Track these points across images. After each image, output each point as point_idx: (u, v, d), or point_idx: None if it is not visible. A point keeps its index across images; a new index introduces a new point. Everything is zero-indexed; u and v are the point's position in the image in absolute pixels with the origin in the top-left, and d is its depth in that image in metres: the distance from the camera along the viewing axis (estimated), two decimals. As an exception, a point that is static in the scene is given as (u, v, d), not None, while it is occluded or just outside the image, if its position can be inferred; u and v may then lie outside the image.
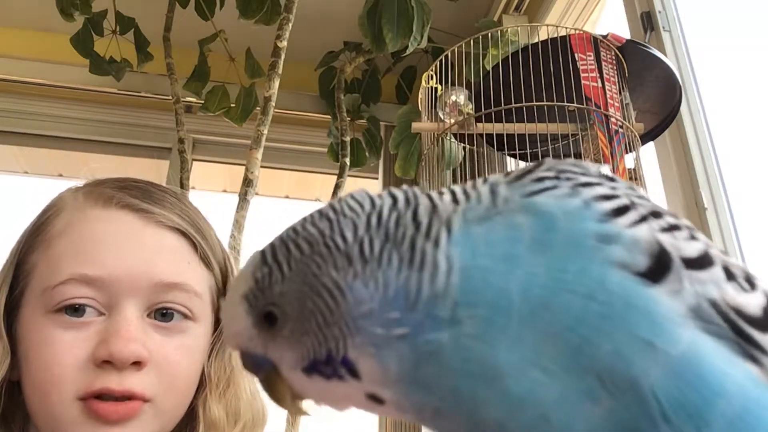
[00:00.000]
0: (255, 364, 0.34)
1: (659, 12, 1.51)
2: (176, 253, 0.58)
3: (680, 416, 0.26)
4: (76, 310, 0.52)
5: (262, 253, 0.33)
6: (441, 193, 0.32)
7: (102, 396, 0.51)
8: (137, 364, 0.52)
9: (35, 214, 0.60)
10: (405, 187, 0.33)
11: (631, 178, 1.08)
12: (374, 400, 0.31)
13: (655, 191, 1.35)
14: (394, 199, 0.32)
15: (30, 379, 0.53)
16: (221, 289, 0.62)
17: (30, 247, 0.57)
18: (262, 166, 1.70)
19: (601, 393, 0.27)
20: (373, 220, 0.31)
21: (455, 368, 0.28)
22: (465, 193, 0.32)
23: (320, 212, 0.33)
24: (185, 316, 0.57)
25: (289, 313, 0.32)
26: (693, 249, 0.30)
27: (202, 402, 0.59)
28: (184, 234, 0.59)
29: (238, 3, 1.96)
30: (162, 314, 0.56)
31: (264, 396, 0.64)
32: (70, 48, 2.08)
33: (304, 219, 0.33)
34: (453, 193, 0.32)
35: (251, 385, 0.63)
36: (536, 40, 1.20)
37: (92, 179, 0.62)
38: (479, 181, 0.33)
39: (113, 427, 0.52)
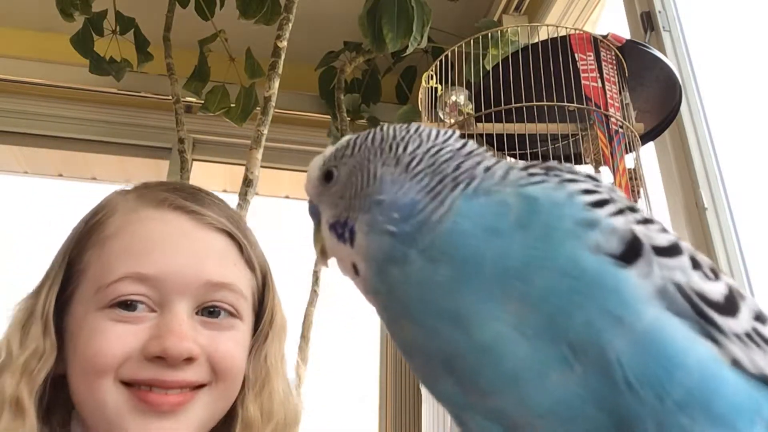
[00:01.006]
0: (312, 212, 0.44)
1: (659, 12, 1.51)
2: (224, 254, 0.59)
3: (642, 383, 0.29)
4: (128, 305, 0.53)
5: (354, 136, 0.42)
6: (491, 161, 0.39)
7: (152, 387, 0.52)
8: (189, 360, 0.53)
9: (82, 216, 0.60)
10: (472, 142, 0.41)
11: (631, 178, 1.08)
12: (354, 270, 0.39)
13: (655, 191, 1.35)
14: (463, 145, 0.40)
15: (78, 368, 0.53)
16: (261, 291, 0.63)
17: (82, 248, 0.57)
18: (262, 166, 1.70)
19: (572, 360, 0.30)
20: (432, 149, 0.39)
21: (414, 286, 0.34)
22: (493, 166, 0.38)
23: (406, 125, 0.41)
24: (231, 315, 0.58)
25: (340, 178, 0.41)
26: (663, 239, 0.34)
27: (241, 401, 0.59)
28: (231, 236, 0.60)
29: (238, 3, 1.96)
30: (209, 312, 0.57)
31: (296, 396, 0.66)
32: (70, 48, 2.08)
33: (395, 124, 0.42)
34: (493, 163, 0.38)
35: (285, 386, 0.64)
36: (536, 40, 1.19)
37: (139, 183, 0.63)
38: (505, 161, 0.39)
39: (163, 419, 0.52)
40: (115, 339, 0.52)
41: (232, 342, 0.57)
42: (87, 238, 0.58)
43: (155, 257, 0.55)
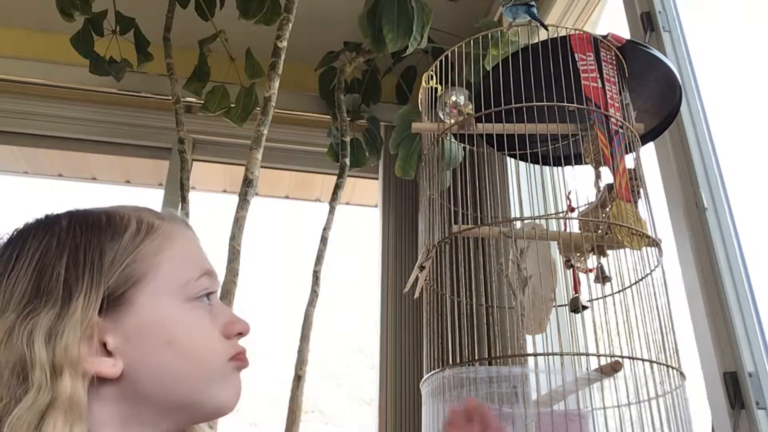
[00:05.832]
0: None
1: (659, 12, 1.51)
2: None
3: None
4: (207, 297, 0.64)
5: None
6: None
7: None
8: None
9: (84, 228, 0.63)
10: None
11: (631, 179, 1.07)
12: None
13: (655, 191, 1.35)
14: None
15: (181, 356, 0.59)
16: None
17: (132, 251, 0.60)
18: (262, 166, 1.70)
19: None
20: None
21: None
22: None
23: None
24: None
25: None
26: None
27: None
28: None
29: (238, 3, 1.96)
30: None
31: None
32: (70, 48, 2.08)
33: None
34: None
35: None
36: (536, 41, 1.19)
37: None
38: None
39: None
40: (211, 327, 0.62)
41: None
42: (139, 242, 0.61)
43: (204, 258, 0.66)
